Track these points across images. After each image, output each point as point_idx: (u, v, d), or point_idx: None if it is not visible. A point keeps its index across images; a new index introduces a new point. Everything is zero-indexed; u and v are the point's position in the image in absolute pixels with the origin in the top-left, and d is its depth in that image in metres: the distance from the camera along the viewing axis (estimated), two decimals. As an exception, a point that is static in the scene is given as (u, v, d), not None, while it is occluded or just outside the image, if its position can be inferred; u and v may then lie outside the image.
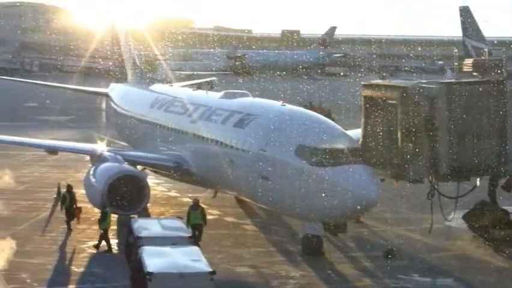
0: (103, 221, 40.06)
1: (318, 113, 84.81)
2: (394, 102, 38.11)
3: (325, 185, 35.10)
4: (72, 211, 43.11)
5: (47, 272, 35.84)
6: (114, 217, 43.26)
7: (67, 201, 43.31)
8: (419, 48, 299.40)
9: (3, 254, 37.12)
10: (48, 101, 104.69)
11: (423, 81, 40.69)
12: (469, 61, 43.87)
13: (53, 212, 47.98)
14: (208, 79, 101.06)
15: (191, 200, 50.49)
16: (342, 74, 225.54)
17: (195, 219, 40.32)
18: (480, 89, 39.49)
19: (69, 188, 44.31)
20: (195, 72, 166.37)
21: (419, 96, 37.70)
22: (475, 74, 42.27)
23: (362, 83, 42.02)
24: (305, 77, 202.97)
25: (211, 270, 28.39)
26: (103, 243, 39.40)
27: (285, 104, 42.94)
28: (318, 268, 36.77)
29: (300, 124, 39.17)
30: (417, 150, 37.43)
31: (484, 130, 38.50)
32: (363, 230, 43.57)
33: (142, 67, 75.49)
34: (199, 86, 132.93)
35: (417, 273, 36.68)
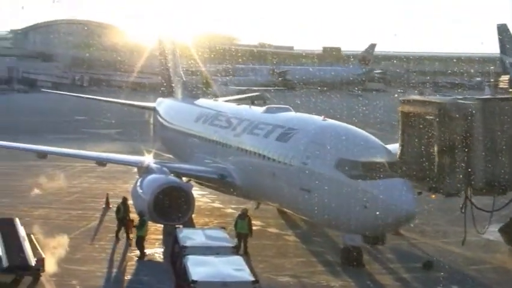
0: (141, 228, 40.48)
1: None
2: (431, 117, 38.01)
3: (365, 197, 34.92)
4: (125, 222, 43.19)
5: (96, 279, 36.10)
6: (160, 227, 43.49)
7: (121, 213, 43.32)
8: (457, 65, 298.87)
9: (55, 260, 37.47)
10: (97, 115, 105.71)
11: (460, 97, 40.56)
12: (505, 77, 43.77)
13: (102, 221, 48.32)
14: (254, 94, 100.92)
15: (234, 211, 50.91)
16: (381, 90, 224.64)
17: (241, 228, 40.85)
18: None
19: (124, 200, 44.24)
20: (247, 87, 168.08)
21: (455, 112, 37.50)
22: (511, 90, 42.00)
23: (400, 98, 41.91)
24: (346, 92, 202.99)
25: (253, 279, 28.33)
26: (149, 251, 39.70)
27: (326, 118, 42.86)
28: (357, 279, 36.61)
29: (340, 138, 38.99)
30: (453, 164, 37.27)
31: None
32: (402, 242, 43.26)
33: (193, 82, 75.89)
34: (252, 101, 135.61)
35: (456, 285, 36.41)
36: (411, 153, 38.14)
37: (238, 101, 66.97)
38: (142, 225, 40.51)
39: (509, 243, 41.81)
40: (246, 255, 39.63)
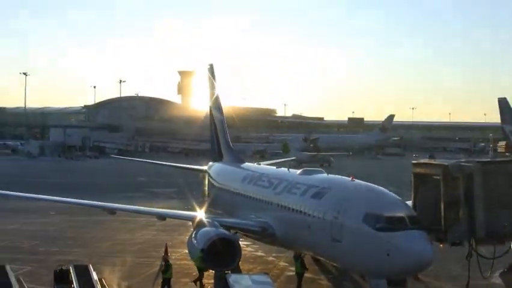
0: (167, 271, 40.86)
1: None
2: (438, 177, 38.06)
3: (388, 247, 34.61)
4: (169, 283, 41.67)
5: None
6: (212, 272, 43.26)
7: (169, 273, 41.67)
8: (464, 132, 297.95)
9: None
10: (157, 177, 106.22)
11: (462, 160, 40.76)
12: (502, 143, 43.90)
13: (161, 268, 48.30)
14: (289, 159, 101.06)
15: (275, 259, 50.78)
16: (399, 154, 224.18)
17: (297, 268, 42.66)
18: (510, 167, 39.37)
19: (166, 259, 42.87)
20: (317, 153, 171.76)
21: (458, 173, 37.49)
22: (507, 154, 42.16)
23: (412, 161, 42.08)
24: (368, 156, 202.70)
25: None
26: None
27: (354, 179, 42.89)
28: (382, 318, 36.27)
29: (366, 195, 39.01)
30: (457, 218, 37.13)
31: None
32: (420, 286, 42.82)
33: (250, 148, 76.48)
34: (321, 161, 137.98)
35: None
36: (421, 208, 38.03)
37: (277, 165, 66.71)
38: (167, 269, 41.01)
39: (508, 286, 41.39)
40: None
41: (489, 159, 42.25)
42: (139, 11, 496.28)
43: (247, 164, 65.34)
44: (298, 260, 43.05)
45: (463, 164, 38.55)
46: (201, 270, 42.42)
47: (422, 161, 43.64)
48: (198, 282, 42.52)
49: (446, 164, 38.60)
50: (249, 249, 53.52)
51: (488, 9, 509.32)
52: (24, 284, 37.80)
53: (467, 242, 37.72)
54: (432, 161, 43.23)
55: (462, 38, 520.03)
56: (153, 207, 67.23)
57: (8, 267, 38.32)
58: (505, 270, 41.53)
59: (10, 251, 52.21)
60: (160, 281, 41.40)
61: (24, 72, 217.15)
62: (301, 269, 42.75)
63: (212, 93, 74.51)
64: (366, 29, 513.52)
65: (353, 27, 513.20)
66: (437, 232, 36.95)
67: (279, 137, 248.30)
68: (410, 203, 39.32)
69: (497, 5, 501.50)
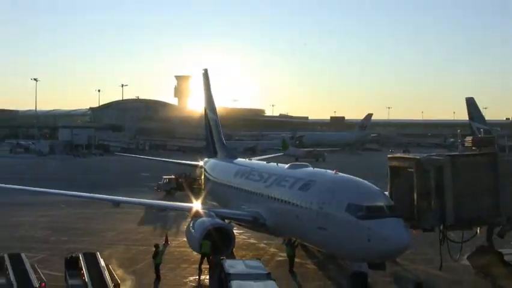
0: (156, 256, 40.82)
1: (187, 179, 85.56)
2: (411, 170, 38.38)
3: (369, 233, 34.70)
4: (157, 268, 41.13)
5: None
6: (205, 258, 43.17)
7: (158, 259, 41.25)
8: (435, 129, 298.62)
9: (127, 285, 37.48)
10: (157, 172, 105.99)
11: (433, 154, 41.03)
12: (469, 138, 44.19)
13: (162, 255, 48.22)
14: (276, 154, 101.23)
15: (266, 246, 50.79)
16: (376, 149, 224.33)
17: (288, 252, 42.98)
18: (477, 160, 39.87)
19: (156, 246, 42.41)
20: (313, 149, 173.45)
21: (429, 166, 37.92)
22: (473, 148, 42.54)
23: (388, 155, 42.31)
24: (349, 152, 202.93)
25: (284, 299, 28.26)
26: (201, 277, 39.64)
27: (337, 172, 42.99)
28: (364, 297, 36.40)
29: (349, 187, 39.14)
30: (429, 206, 37.58)
31: (480, 191, 38.43)
32: (398, 268, 42.90)
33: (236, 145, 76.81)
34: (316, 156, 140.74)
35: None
36: (396, 198, 38.18)
37: (267, 160, 66.83)
38: (157, 254, 40.97)
39: (475, 268, 41.77)
40: (292, 272, 41.86)
41: (457, 153, 42.42)
42: (138, 21, 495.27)
43: (239, 160, 65.41)
44: (288, 244, 43.20)
45: (433, 157, 39.10)
46: (204, 256, 42.32)
47: (396, 155, 43.82)
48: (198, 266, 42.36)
49: (418, 157, 39.11)
50: (242, 237, 53.46)
51: (460, 14, 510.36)
52: (39, 270, 37.71)
53: (439, 228, 38.10)
54: (406, 155, 43.67)
55: (433, 43, 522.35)
56: (154, 200, 67.39)
57: (23, 255, 38.38)
58: (472, 253, 42.05)
59: (25, 241, 52.09)
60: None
61: (34, 78, 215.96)
62: (292, 251, 42.94)
63: (206, 96, 74.52)
64: (346, 35, 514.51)
65: (335, 33, 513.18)
66: (411, 220, 37.26)
67: (268, 135, 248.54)
68: (386, 193, 39.50)
69: (470, 8, 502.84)
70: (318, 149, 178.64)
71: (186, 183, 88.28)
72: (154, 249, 41.65)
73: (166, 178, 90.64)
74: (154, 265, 40.74)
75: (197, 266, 42.86)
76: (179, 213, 59.59)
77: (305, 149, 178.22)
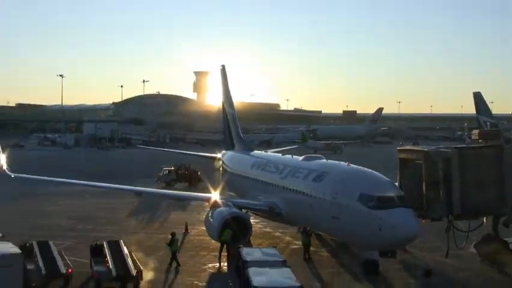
0: (172, 244, 40.77)
1: (188, 171, 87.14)
2: (420, 162, 38.29)
3: (380, 223, 34.76)
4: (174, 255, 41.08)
5: (179, 286, 36.12)
6: (224, 246, 43.19)
7: (174, 246, 41.14)
8: (444, 123, 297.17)
9: (149, 271, 37.67)
10: (177, 163, 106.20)
11: (441, 146, 40.86)
12: (475, 131, 44.11)
13: (182, 242, 48.36)
14: (291, 147, 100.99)
15: (281, 234, 50.79)
16: (387, 142, 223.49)
17: (304, 240, 42.68)
18: (483, 152, 39.70)
19: (173, 234, 42.09)
20: (332, 141, 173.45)
21: (437, 158, 37.87)
22: (480, 141, 42.41)
23: (398, 148, 42.24)
24: (361, 144, 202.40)
25: (299, 285, 28.22)
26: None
27: (349, 164, 42.93)
28: (375, 284, 36.40)
29: (361, 178, 39.15)
30: (437, 197, 37.56)
31: (486, 182, 38.32)
32: (408, 256, 42.79)
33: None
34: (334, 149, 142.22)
35: (448, 287, 36.54)
36: (406, 189, 38.10)
37: (282, 152, 66.74)
38: (172, 242, 40.92)
39: (482, 256, 41.57)
40: (309, 260, 41.79)
41: (464, 146, 42.26)
42: (159, 20, 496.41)
43: (255, 152, 65.39)
44: (304, 233, 43.11)
45: (441, 149, 39.02)
46: (223, 244, 42.32)
47: (406, 147, 43.84)
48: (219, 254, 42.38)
49: (427, 149, 39.11)
50: (258, 226, 53.39)
51: (468, 12, 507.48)
52: (66, 257, 37.95)
53: (446, 218, 37.99)
54: (415, 148, 43.65)
55: (442, 41, 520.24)
56: (174, 190, 67.58)
57: (51, 243, 38.60)
58: (478, 241, 41.94)
59: (53, 229, 52.37)
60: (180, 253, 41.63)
61: (60, 74, 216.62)
62: (307, 240, 42.79)
63: (224, 90, 74.47)
64: (358, 33, 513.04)
65: (348, 31, 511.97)
66: (419, 210, 37.20)
67: (284, 129, 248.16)
68: (396, 184, 39.41)
69: (479, 7, 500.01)
70: (335, 142, 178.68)
71: (186, 175, 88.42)
72: (170, 237, 41.66)
73: (166, 169, 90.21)
74: (171, 252, 40.77)
75: (215, 253, 42.93)
76: (198, 203, 59.63)
77: (323, 142, 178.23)
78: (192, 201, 61.31)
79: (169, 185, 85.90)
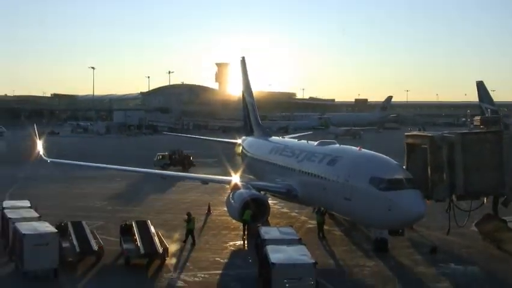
0: (189, 223, 40.94)
1: (180, 156, 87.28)
2: (425, 146, 38.18)
3: (390, 203, 34.63)
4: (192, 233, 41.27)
5: (202, 262, 36.13)
6: (240, 225, 43.23)
7: (191, 224, 41.28)
8: (449, 110, 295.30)
9: (174, 248, 37.82)
10: (200, 149, 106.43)
11: (446, 132, 40.64)
12: (477, 118, 44.04)
13: (205, 222, 48.51)
14: (307, 133, 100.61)
15: (297, 214, 50.78)
16: (396, 128, 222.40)
17: (318, 219, 42.76)
18: (484, 137, 39.48)
19: (189, 214, 42.16)
20: (351, 127, 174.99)
21: (442, 142, 37.74)
22: (481, 126, 42.27)
23: (405, 133, 42.09)
24: (372, 131, 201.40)
25: (314, 261, 28.20)
26: (240, 243, 39.74)
27: (361, 148, 42.81)
28: (384, 260, 36.30)
29: (371, 162, 39.00)
30: (441, 179, 37.43)
31: (487, 165, 38.17)
32: (415, 234, 42.69)
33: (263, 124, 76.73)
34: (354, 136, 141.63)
35: (452, 263, 36.24)
36: (412, 172, 37.91)
37: (299, 138, 66.54)
38: (189, 221, 41.09)
39: (483, 233, 41.54)
40: (324, 238, 41.84)
41: (467, 131, 42.04)
42: (182, 14, 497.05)
43: (273, 138, 65.32)
44: (318, 212, 43.06)
45: (446, 135, 38.89)
46: (245, 223, 42.31)
47: (412, 133, 43.64)
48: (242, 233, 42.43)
49: (432, 135, 39.01)
50: (276, 206, 53.34)
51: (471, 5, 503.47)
52: (97, 236, 38.22)
53: (449, 198, 37.83)
54: (421, 133, 43.33)
55: (447, 33, 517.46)
56: (197, 174, 67.66)
57: (84, 223, 38.82)
58: (479, 220, 42.07)
59: (85, 210, 52.69)
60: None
61: (92, 66, 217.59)
62: (321, 219, 42.78)
63: (244, 80, 74.33)
64: (370, 26, 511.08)
65: (360, 22, 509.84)
66: (425, 191, 37.04)
67: (299, 116, 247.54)
68: (404, 167, 39.25)
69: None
70: (355, 128, 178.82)
71: (179, 159, 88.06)
72: (186, 217, 41.68)
73: (159, 155, 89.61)
74: (187, 230, 40.90)
75: (236, 232, 43.18)
76: (220, 186, 59.71)
77: (344, 128, 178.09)
78: (214, 183, 61.22)
79: (163, 169, 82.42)
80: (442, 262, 36.27)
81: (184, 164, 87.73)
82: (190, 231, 40.88)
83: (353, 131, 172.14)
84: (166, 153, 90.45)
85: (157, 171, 57.85)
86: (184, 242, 40.01)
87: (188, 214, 41.79)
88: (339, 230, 45.34)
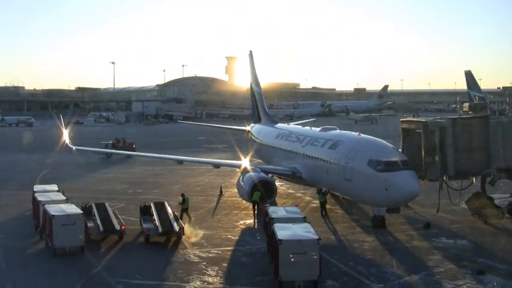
0: (184, 203, 41.56)
1: (124, 144, 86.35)
2: (419, 131, 38.40)
3: (386, 184, 34.61)
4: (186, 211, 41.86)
5: (215, 240, 36.27)
6: (250, 205, 43.24)
7: (186, 204, 41.95)
8: (440, 97, 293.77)
9: (190, 227, 37.94)
10: (212, 136, 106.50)
11: (438, 117, 40.77)
12: (466, 104, 44.17)
13: (218, 203, 48.58)
14: (310, 120, 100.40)
15: (302, 195, 50.74)
16: (391, 114, 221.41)
17: (320, 199, 42.94)
18: (473, 122, 39.45)
19: (183, 195, 42.94)
20: (366, 114, 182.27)
21: (434, 127, 37.93)
22: (470, 112, 42.36)
23: (400, 119, 42.06)
24: (369, 117, 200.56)
25: (318, 238, 28.21)
26: (250, 221, 39.82)
27: (360, 134, 42.73)
28: (382, 235, 36.36)
29: (370, 146, 38.91)
30: (434, 160, 37.66)
31: (475, 147, 38.39)
32: (410, 211, 42.70)
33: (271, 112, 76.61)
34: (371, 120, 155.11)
35: (444, 237, 36.35)
36: (407, 154, 37.88)
37: (303, 124, 66.42)
38: (184, 201, 41.61)
39: (471, 210, 41.71)
40: (326, 216, 41.93)
41: (457, 116, 42.04)
42: (194, 11, 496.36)
43: (279, 125, 65.19)
44: (321, 192, 43.14)
45: (437, 120, 39.18)
46: (254, 204, 42.33)
47: (407, 118, 43.70)
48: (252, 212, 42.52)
49: (425, 120, 39.16)
50: (282, 188, 53.37)
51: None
52: (119, 216, 38.40)
53: (441, 178, 37.88)
54: (415, 119, 43.59)
55: (440, 25, 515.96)
56: (210, 158, 67.73)
57: (107, 204, 39.04)
58: (468, 198, 42.05)
59: (108, 193, 52.94)
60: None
61: (112, 61, 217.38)
62: (323, 199, 42.88)
63: (252, 72, 74.11)
64: (368, 20, 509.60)
65: (359, 16, 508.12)
66: (419, 172, 37.03)
67: (303, 104, 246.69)
68: (399, 150, 39.19)
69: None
70: (372, 114, 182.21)
71: (122, 147, 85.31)
72: (181, 198, 42.27)
73: (103, 144, 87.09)
74: (181, 209, 41.35)
75: (246, 212, 43.28)
76: (231, 170, 59.78)
77: (363, 115, 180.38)
78: (225, 167, 61.06)
79: (107, 157, 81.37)
80: (435, 237, 36.31)
81: (127, 151, 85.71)
82: (185, 210, 41.47)
83: (370, 117, 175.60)
84: (110, 142, 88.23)
85: (172, 156, 57.65)
86: (180, 219, 39.41)
87: (183, 195, 42.33)
88: (340, 208, 45.34)
